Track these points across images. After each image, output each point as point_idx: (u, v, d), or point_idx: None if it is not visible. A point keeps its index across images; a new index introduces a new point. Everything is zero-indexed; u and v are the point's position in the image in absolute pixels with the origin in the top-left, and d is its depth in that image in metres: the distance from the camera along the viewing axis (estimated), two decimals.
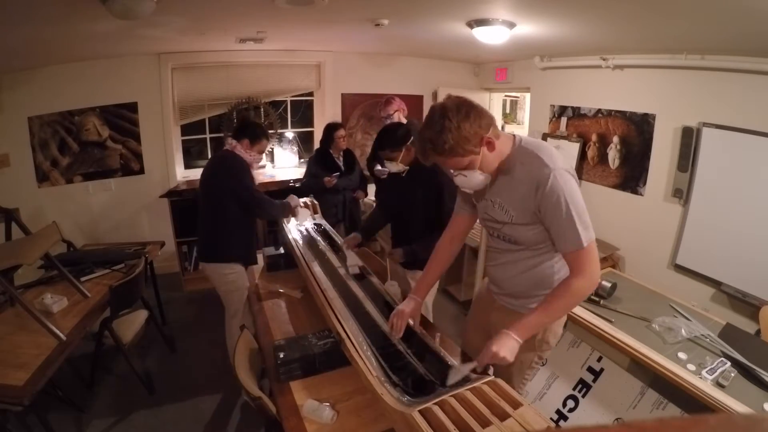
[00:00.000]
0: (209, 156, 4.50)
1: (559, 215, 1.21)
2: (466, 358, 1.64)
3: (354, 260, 2.14)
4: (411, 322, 1.55)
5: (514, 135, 1.34)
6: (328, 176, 3.34)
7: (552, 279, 1.39)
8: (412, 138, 2.06)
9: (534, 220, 1.28)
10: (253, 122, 2.57)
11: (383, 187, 2.55)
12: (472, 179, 1.31)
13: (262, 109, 4.38)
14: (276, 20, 2.79)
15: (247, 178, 2.36)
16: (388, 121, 3.42)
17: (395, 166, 2.11)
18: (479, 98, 5.07)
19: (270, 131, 4.49)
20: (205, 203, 2.42)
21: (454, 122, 1.19)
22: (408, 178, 2.14)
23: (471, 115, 1.20)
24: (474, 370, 1.26)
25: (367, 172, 3.60)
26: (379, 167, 2.19)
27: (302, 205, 2.76)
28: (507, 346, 1.25)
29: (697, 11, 2.02)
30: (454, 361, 1.35)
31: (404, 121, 3.42)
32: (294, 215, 2.69)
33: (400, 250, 2.15)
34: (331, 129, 3.45)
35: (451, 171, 1.33)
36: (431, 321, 2.04)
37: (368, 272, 2.07)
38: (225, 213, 2.34)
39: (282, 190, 3.97)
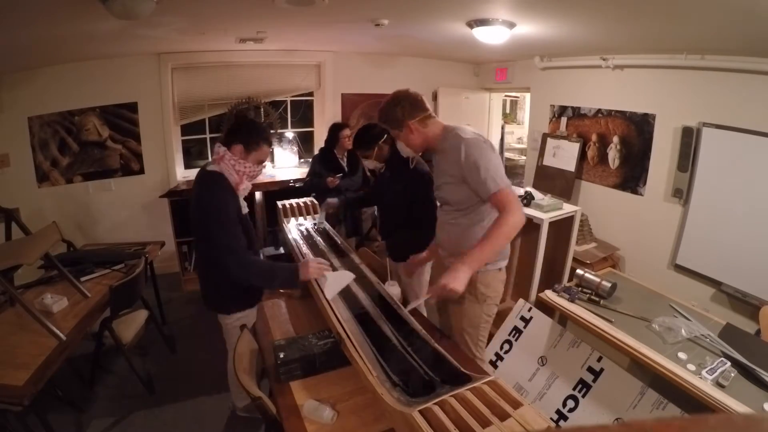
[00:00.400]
0: (208, 156, 4.50)
1: (474, 171, 1.56)
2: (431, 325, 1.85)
3: (322, 219, 2.63)
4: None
5: (444, 124, 1.73)
6: (332, 176, 3.34)
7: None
8: (385, 137, 2.32)
9: (461, 180, 1.63)
10: (249, 122, 1.99)
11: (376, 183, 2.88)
12: (401, 146, 1.82)
13: (262, 109, 4.38)
14: (276, 20, 2.79)
15: (223, 216, 1.72)
16: None
17: (371, 163, 2.42)
18: (479, 98, 5.07)
19: (270, 131, 4.49)
20: (195, 238, 1.88)
21: (386, 107, 1.71)
22: (388, 173, 2.41)
23: (399, 107, 1.68)
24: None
25: (369, 173, 3.60)
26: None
27: (325, 264, 1.77)
28: (456, 277, 1.43)
29: (698, 12, 2.02)
30: (451, 358, 1.35)
31: None
32: (296, 284, 1.77)
33: (383, 243, 2.46)
34: (336, 129, 3.44)
35: None
36: (425, 315, 2.08)
37: (334, 234, 2.47)
38: (212, 254, 1.80)
39: (282, 190, 3.97)
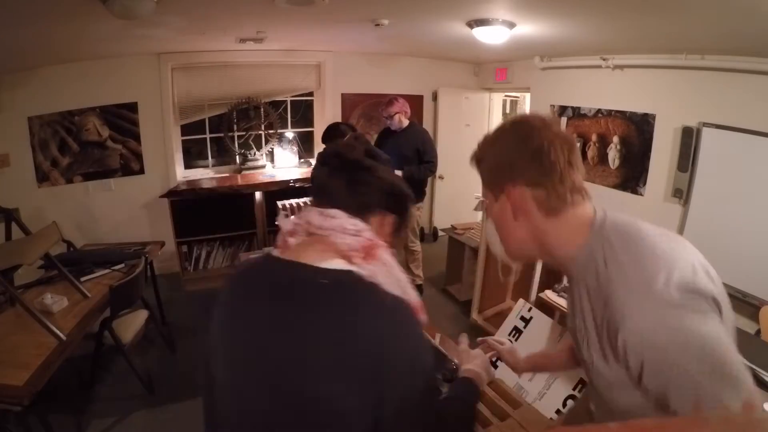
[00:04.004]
0: (208, 156, 4.49)
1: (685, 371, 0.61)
2: None
3: None
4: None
5: (595, 210, 0.84)
6: None
7: None
8: (348, 135, 2.57)
9: (623, 368, 0.68)
10: (399, 183, 0.93)
11: None
12: (489, 230, 0.90)
13: (262, 109, 4.38)
14: (276, 20, 2.79)
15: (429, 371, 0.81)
16: (389, 122, 3.41)
17: None
18: (479, 98, 5.07)
19: (270, 131, 4.49)
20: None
21: (490, 139, 0.84)
22: None
23: (510, 144, 0.80)
24: None
25: None
26: None
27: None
28: None
29: (698, 11, 2.02)
30: (451, 357, 1.35)
31: (406, 122, 3.43)
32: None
33: None
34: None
35: None
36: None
37: None
38: None
39: (282, 190, 3.97)
